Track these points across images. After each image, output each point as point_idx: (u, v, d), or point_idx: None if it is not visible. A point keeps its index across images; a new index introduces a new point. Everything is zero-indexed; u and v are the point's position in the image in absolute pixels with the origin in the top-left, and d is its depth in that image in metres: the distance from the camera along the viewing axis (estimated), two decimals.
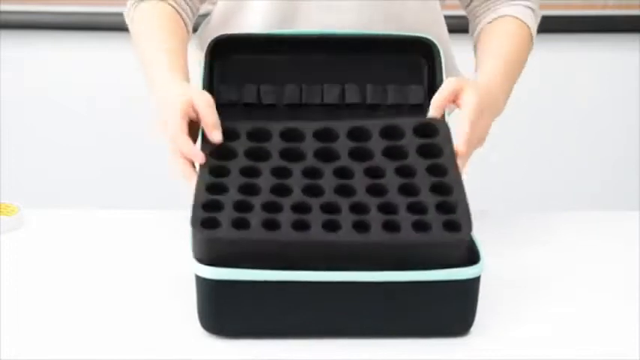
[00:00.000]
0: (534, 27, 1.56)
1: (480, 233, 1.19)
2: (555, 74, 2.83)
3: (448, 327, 1.16)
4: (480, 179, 2.84)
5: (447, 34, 1.62)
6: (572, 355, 1.15)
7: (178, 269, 1.26)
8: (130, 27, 1.53)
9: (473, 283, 1.15)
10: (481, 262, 1.15)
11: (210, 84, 1.39)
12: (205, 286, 1.13)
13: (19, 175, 2.81)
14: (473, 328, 1.17)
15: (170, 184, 1.92)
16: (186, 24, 1.52)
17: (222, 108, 1.35)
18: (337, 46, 1.42)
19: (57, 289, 1.28)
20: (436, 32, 1.53)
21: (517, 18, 1.53)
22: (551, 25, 2.82)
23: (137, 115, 2.78)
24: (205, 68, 1.39)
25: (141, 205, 2.58)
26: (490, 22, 1.55)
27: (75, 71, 2.78)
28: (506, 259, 1.39)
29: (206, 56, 1.39)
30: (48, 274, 1.33)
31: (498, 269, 1.34)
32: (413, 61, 1.41)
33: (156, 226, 1.48)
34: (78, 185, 2.82)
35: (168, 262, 1.33)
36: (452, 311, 1.16)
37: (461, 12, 1.63)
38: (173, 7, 1.50)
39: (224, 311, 1.14)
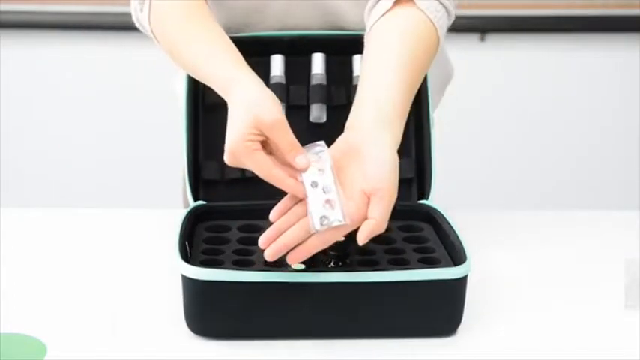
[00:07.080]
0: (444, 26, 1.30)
1: (475, 233, 1.18)
2: (555, 74, 2.83)
3: (435, 327, 1.16)
4: (479, 179, 2.86)
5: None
6: (566, 355, 1.15)
7: (165, 269, 1.26)
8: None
9: (460, 283, 1.15)
10: (467, 261, 1.15)
11: (195, 87, 1.38)
12: (192, 286, 1.13)
13: (19, 174, 2.81)
14: (460, 328, 1.17)
15: (164, 183, 1.92)
16: None
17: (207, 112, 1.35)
18: (325, 45, 1.41)
19: (43, 287, 1.28)
20: None
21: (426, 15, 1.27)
22: (551, 25, 2.84)
23: (137, 114, 2.79)
24: None
25: (137, 204, 2.60)
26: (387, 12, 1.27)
27: (75, 71, 2.78)
28: (502, 259, 1.38)
29: None
30: (37, 272, 1.33)
31: (496, 269, 1.34)
32: None
33: (143, 225, 1.48)
34: (78, 185, 2.82)
35: (155, 262, 1.33)
36: (439, 311, 1.15)
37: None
38: None
39: (210, 312, 1.14)
